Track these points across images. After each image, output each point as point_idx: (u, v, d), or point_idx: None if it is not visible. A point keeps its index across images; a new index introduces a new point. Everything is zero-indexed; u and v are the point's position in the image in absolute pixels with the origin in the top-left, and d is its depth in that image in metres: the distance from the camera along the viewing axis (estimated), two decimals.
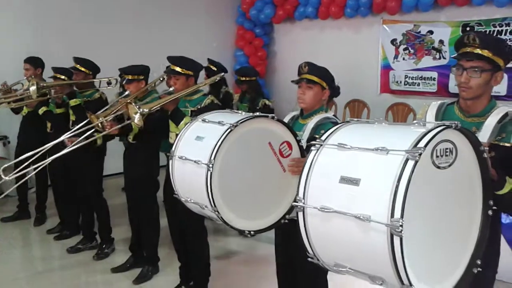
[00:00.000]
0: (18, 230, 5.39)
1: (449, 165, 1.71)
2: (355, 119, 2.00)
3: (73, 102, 4.33)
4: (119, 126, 3.71)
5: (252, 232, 2.41)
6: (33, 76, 4.78)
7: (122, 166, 4.16)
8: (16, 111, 5.28)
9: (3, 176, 2.94)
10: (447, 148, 1.69)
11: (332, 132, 1.90)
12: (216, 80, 3.82)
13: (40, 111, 4.68)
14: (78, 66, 4.48)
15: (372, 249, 1.59)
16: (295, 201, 1.87)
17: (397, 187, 1.51)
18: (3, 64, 6.02)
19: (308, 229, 1.82)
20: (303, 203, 1.82)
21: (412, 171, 1.51)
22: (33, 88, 4.28)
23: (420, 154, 1.53)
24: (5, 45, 6.35)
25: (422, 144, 1.56)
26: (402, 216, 1.49)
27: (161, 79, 4.10)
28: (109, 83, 4.64)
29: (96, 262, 4.47)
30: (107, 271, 4.26)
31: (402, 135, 1.71)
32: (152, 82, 4.08)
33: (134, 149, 4.00)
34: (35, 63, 5.22)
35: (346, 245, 1.69)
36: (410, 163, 1.53)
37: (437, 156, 1.65)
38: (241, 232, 2.45)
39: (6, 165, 3.18)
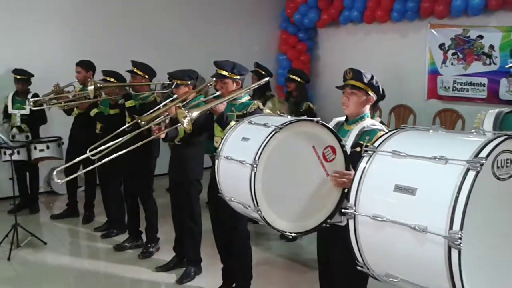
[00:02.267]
0: (67, 228, 5.58)
1: (510, 177, 1.65)
2: (409, 126, 1.96)
3: (128, 104, 4.44)
4: (167, 130, 3.78)
5: (293, 234, 2.41)
6: (90, 78, 4.94)
7: (166, 167, 4.24)
8: (68, 112, 5.47)
9: (56, 180, 3.05)
10: (507, 159, 1.63)
11: (385, 139, 1.86)
12: (261, 84, 3.84)
13: (92, 113, 4.84)
14: (135, 69, 4.57)
15: (427, 261, 1.55)
16: (345, 208, 1.86)
17: (457, 198, 1.47)
18: (56, 66, 6.25)
19: (359, 237, 1.80)
20: (354, 211, 1.80)
21: (473, 182, 1.47)
22: (90, 88, 4.43)
23: (481, 165, 1.49)
24: (57, 48, 6.60)
25: (483, 154, 1.52)
26: (461, 228, 1.45)
27: (209, 84, 4.14)
28: (164, 87, 4.75)
29: (141, 261, 4.56)
30: (151, 270, 4.35)
31: (461, 144, 1.67)
32: (200, 87, 4.13)
33: (180, 150, 4.07)
34: (86, 66, 5.41)
35: (399, 256, 1.65)
36: (471, 174, 1.48)
37: (498, 167, 1.59)
38: (282, 234, 2.45)
39: (59, 168, 3.27)
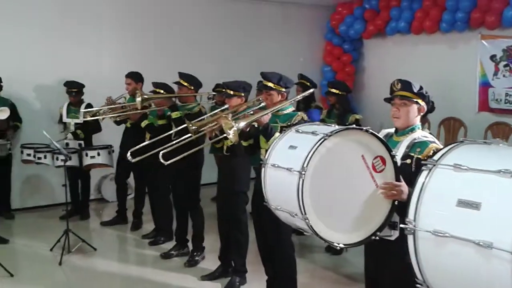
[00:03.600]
0: (116, 234, 5.72)
1: None
2: (469, 139, 1.92)
3: (174, 115, 4.53)
4: (216, 139, 3.83)
5: (341, 245, 2.36)
6: (139, 89, 5.08)
7: (211, 177, 4.28)
8: (118, 123, 5.65)
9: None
10: None
11: (445, 152, 1.82)
12: (306, 95, 3.83)
13: (143, 124, 4.99)
14: (181, 80, 4.68)
15: (492, 278, 1.51)
16: (404, 223, 1.81)
17: None
18: (107, 77, 6.48)
19: (419, 253, 1.75)
20: (414, 226, 1.75)
21: None
22: (138, 99, 4.55)
23: None
24: (108, 59, 6.84)
25: None
26: None
27: (260, 99, 4.13)
28: (209, 98, 4.83)
29: (187, 269, 4.62)
30: (197, 279, 4.39)
31: None
32: (251, 101, 4.14)
33: (228, 161, 4.11)
34: (136, 77, 5.58)
35: (462, 273, 1.60)
36: None
37: None
38: (329, 246, 2.41)
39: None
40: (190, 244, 4.90)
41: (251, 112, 3.70)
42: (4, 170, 5.88)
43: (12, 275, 4.35)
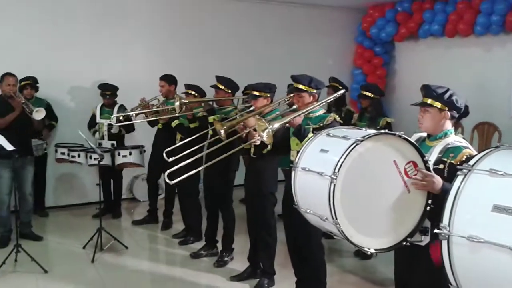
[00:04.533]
0: (147, 233, 5.81)
1: None
2: (506, 145, 1.89)
3: (211, 119, 4.56)
4: (251, 142, 3.83)
5: (372, 250, 2.36)
6: (176, 94, 5.15)
7: (240, 179, 4.30)
8: (152, 124, 5.76)
9: (168, 180, 3.30)
10: None
11: (481, 157, 1.81)
12: (338, 97, 3.82)
13: (173, 124, 5.06)
14: (218, 84, 4.72)
15: None
16: (438, 228, 1.80)
17: None
18: (140, 79, 6.60)
19: (453, 259, 1.73)
20: (448, 231, 1.74)
21: None
22: (177, 103, 4.62)
23: None
24: (142, 62, 6.96)
25: None
26: None
27: (287, 100, 4.16)
28: (246, 101, 4.84)
29: (216, 269, 4.66)
30: (226, 279, 4.42)
31: None
32: (279, 101, 4.17)
33: (255, 163, 4.13)
34: (169, 80, 5.67)
35: (497, 279, 1.59)
36: None
37: None
38: (359, 250, 2.40)
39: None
40: (219, 245, 4.94)
41: (283, 114, 3.73)
42: (40, 169, 6.03)
43: (46, 272, 4.48)
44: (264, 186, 4.12)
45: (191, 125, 4.92)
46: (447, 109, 2.58)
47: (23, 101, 5.02)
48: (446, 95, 2.58)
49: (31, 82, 5.95)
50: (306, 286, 3.76)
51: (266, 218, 4.16)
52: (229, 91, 4.73)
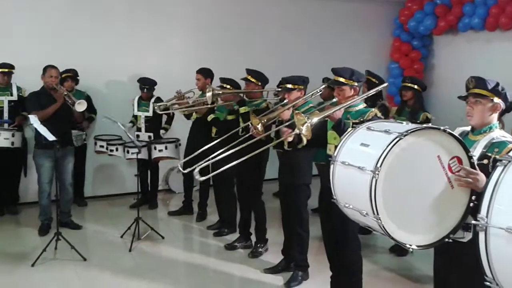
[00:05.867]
0: (182, 224, 5.92)
1: None
2: None
3: (242, 110, 4.63)
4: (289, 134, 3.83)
5: (413, 247, 2.32)
6: (209, 84, 5.22)
7: (273, 172, 4.29)
8: (188, 116, 5.83)
9: (198, 178, 3.40)
10: None
11: None
12: (379, 90, 3.77)
13: (209, 118, 5.12)
14: (249, 77, 4.77)
15: None
16: (476, 219, 1.77)
17: None
18: (176, 73, 6.69)
19: (490, 250, 1.71)
20: (486, 222, 1.71)
21: None
22: (209, 94, 4.69)
23: None
24: (178, 56, 7.05)
25: None
26: None
27: (319, 90, 4.15)
28: (276, 94, 4.87)
29: (250, 261, 4.70)
30: (260, 271, 4.46)
31: None
32: (312, 93, 4.15)
33: (289, 156, 4.11)
34: (205, 73, 5.73)
35: None
36: None
37: None
38: (400, 246, 2.36)
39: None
40: (253, 237, 4.98)
41: (321, 108, 3.70)
42: (79, 160, 6.18)
43: (85, 259, 4.61)
44: (299, 178, 4.13)
45: (229, 117, 4.97)
46: (499, 102, 2.52)
47: (66, 93, 5.15)
48: (499, 87, 2.53)
49: (72, 75, 6.11)
50: (341, 280, 3.73)
51: (300, 210, 4.16)
52: (259, 84, 4.76)
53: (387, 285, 4.30)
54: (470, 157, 2.35)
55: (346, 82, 3.44)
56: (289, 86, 3.99)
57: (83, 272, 4.42)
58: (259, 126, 3.81)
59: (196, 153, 3.97)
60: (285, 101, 4.09)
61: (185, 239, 5.53)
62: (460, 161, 2.34)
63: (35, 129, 4.79)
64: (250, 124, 3.97)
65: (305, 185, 4.17)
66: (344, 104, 3.38)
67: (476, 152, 2.46)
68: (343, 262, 3.65)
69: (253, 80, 4.76)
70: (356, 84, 3.47)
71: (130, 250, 4.88)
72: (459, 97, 2.68)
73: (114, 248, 5.03)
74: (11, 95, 5.81)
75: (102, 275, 4.38)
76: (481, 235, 1.75)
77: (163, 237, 5.24)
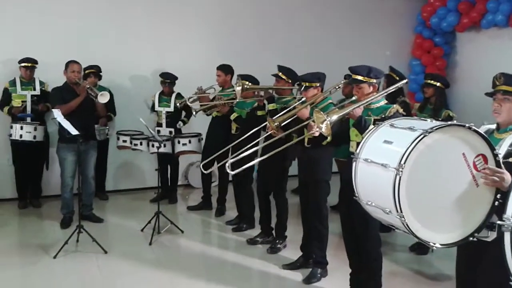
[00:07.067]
0: (201, 219, 5.95)
1: None
2: None
3: (270, 107, 4.67)
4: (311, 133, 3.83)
5: (437, 245, 2.30)
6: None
7: (292, 170, 4.28)
8: (208, 113, 5.87)
9: (229, 171, 3.43)
10: None
11: None
12: (399, 87, 3.73)
13: (232, 117, 5.15)
14: (280, 74, 4.77)
15: None
16: (501, 219, 1.75)
17: None
18: (197, 69, 6.71)
19: None
20: None
21: None
22: (238, 88, 4.72)
23: None
24: (199, 52, 7.09)
25: None
26: None
27: (337, 87, 4.12)
28: (301, 92, 4.83)
29: (269, 256, 4.70)
30: (278, 267, 4.46)
31: None
32: (329, 89, 4.13)
33: (309, 153, 4.11)
34: (226, 70, 5.76)
35: None
36: None
37: None
38: (424, 245, 2.33)
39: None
40: (273, 232, 4.99)
41: (342, 105, 3.67)
42: (102, 154, 6.24)
43: (106, 252, 4.68)
44: (319, 174, 4.12)
45: (259, 113, 4.94)
46: None
47: (88, 86, 5.20)
48: None
49: (95, 71, 6.17)
50: (361, 278, 3.72)
51: (320, 207, 4.15)
52: (290, 81, 4.75)
53: (406, 284, 4.26)
54: (495, 155, 2.32)
55: (364, 80, 3.43)
56: (305, 84, 3.99)
57: (104, 264, 4.49)
58: (275, 126, 3.83)
59: (218, 153, 3.99)
60: (302, 99, 4.08)
61: (204, 234, 5.57)
62: (485, 158, 2.31)
63: (59, 123, 4.84)
64: (268, 124, 4.00)
65: (325, 182, 4.16)
66: (364, 101, 3.37)
67: (502, 150, 2.42)
68: (363, 259, 3.65)
69: (283, 77, 4.76)
70: (374, 81, 3.46)
71: (150, 244, 4.93)
72: (487, 94, 2.65)
73: (134, 241, 5.09)
74: (34, 89, 5.91)
75: (123, 268, 4.44)
76: (507, 236, 1.72)
77: (182, 231, 5.28)
